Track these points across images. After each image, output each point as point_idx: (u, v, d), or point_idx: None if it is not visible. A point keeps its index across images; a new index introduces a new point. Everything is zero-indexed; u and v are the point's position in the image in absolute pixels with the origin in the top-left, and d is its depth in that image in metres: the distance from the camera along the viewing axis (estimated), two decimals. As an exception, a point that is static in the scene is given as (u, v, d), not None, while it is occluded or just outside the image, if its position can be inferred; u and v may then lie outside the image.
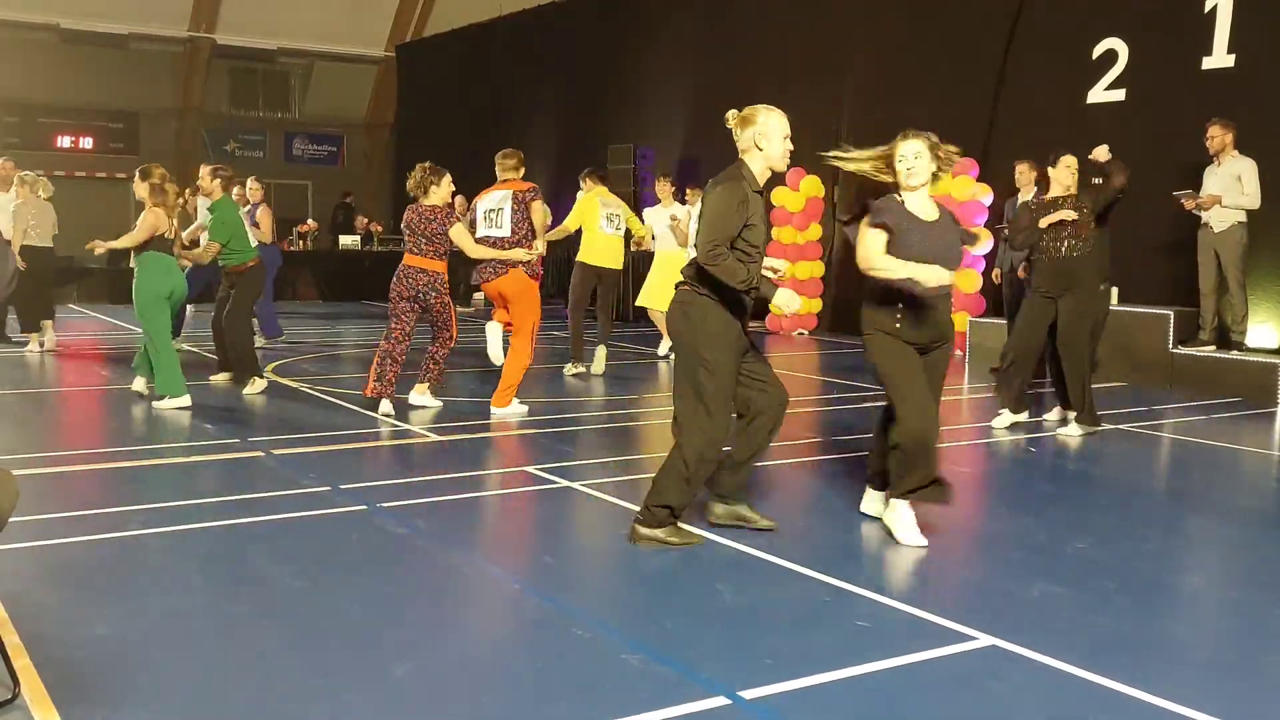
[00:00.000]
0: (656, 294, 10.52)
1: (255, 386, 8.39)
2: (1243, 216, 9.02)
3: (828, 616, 3.85)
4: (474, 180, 16.06)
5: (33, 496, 4.79)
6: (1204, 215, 9.11)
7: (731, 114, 4.68)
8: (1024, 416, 7.48)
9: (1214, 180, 9.06)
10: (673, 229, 10.41)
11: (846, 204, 12.84)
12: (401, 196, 8.07)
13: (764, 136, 4.57)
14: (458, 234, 7.37)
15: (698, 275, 4.58)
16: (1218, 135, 8.98)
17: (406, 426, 7.09)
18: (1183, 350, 9.46)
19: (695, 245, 4.61)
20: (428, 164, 7.55)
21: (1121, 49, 10.71)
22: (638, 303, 11.04)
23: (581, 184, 10.10)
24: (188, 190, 10.95)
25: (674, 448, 4.63)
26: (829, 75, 13.61)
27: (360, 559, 4.44)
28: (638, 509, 4.72)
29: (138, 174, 7.89)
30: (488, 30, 20.33)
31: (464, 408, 7.89)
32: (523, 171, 7.88)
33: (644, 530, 4.64)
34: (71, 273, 16.46)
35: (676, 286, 4.71)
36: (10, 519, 2.97)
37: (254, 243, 9.32)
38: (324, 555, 4.48)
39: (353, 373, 9.77)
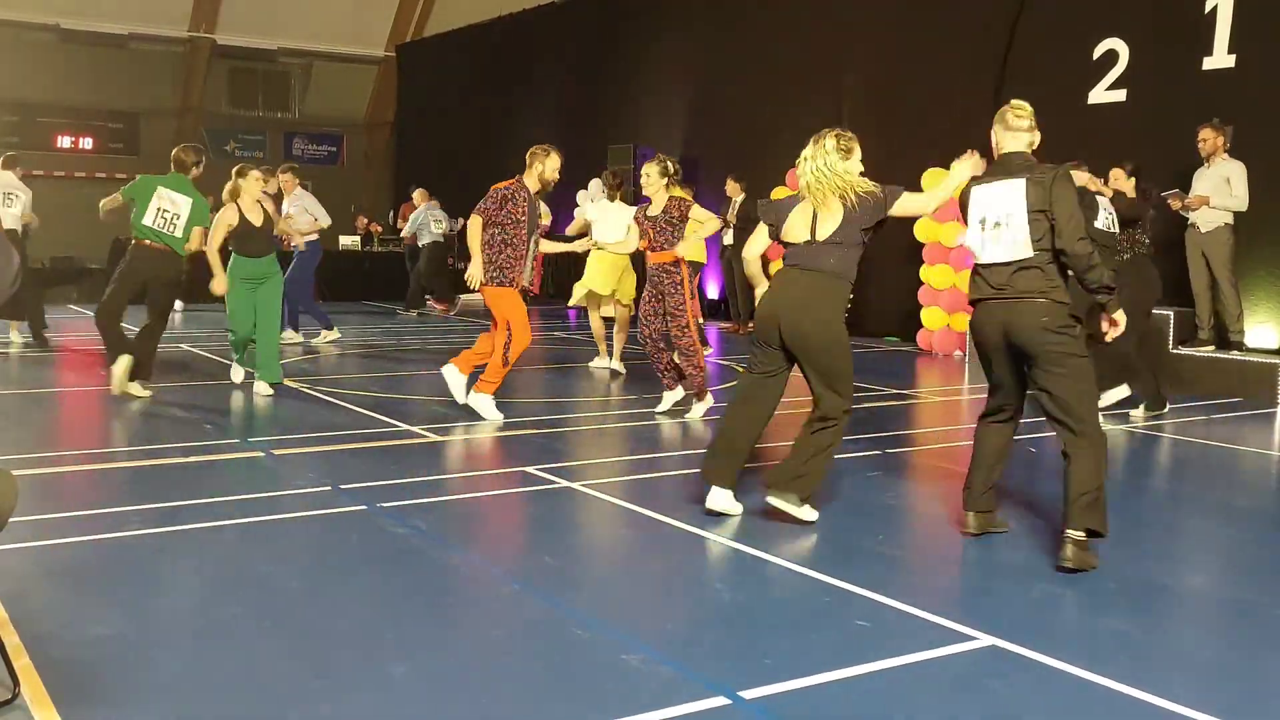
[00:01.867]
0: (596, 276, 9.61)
1: (135, 389, 7.87)
2: (1229, 218, 9.01)
3: (828, 616, 3.85)
4: (474, 180, 16.14)
5: (33, 496, 4.79)
6: (1190, 216, 9.12)
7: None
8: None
9: (1203, 182, 9.06)
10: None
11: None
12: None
13: None
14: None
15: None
16: (1209, 138, 8.98)
17: (407, 427, 7.08)
18: (1182, 350, 9.46)
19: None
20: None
21: (1122, 49, 10.72)
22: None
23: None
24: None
25: None
26: (829, 75, 13.61)
27: (360, 559, 4.44)
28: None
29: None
30: (488, 30, 20.32)
31: (464, 408, 7.88)
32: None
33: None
34: (71, 273, 16.45)
35: None
36: (10, 519, 2.97)
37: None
38: (324, 555, 4.48)
39: (353, 373, 9.77)
